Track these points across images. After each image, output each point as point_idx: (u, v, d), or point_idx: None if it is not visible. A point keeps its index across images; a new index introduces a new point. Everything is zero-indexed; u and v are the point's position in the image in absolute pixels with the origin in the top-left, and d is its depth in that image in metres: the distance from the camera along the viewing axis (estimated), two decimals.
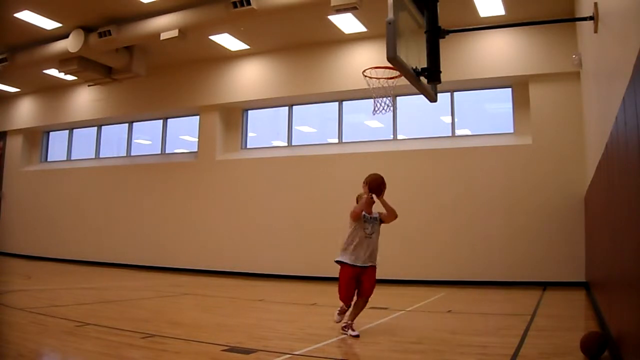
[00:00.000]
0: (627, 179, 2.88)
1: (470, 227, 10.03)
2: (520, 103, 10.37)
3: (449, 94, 10.80)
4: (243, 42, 11.87)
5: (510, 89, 10.60)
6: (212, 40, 11.60)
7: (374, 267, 4.81)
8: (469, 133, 11.04)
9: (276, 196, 11.81)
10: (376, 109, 5.63)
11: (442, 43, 4.83)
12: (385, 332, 4.85)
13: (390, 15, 3.95)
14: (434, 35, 4.79)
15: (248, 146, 13.05)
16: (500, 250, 9.71)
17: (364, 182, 4.82)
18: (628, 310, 2.97)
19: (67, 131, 15.92)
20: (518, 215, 9.72)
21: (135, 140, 14.84)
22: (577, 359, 3.63)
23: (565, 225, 9.28)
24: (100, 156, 15.22)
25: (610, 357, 3.64)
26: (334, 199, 10.66)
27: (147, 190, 13.57)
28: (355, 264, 4.71)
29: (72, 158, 15.75)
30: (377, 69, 6.03)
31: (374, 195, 4.72)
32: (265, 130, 13.36)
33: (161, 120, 14.18)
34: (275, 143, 12.98)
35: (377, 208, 4.83)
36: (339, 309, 4.78)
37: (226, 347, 3.92)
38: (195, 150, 13.32)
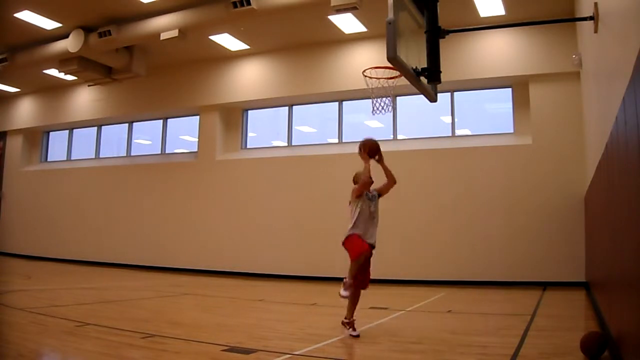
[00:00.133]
0: (627, 179, 2.88)
1: (470, 227, 10.03)
2: (520, 103, 10.37)
3: (449, 94, 10.80)
4: (243, 42, 11.86)
5: (510, 89, 10.60)
6: (212, 40, 11.60)
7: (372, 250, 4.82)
8: (469, 133, 11.04)
9: (276, 196, 11.81)
10: (376, 109, 5.62)
11: (442, 43, 4.83)
12: (385, 332, 4.85)
13: (390, 15, 3.95)
14: (434, 35, 4.79)
15: (248, 146, 13.05)
16: (500, 250, 9.71)
17: (361, 150, 4.78)
18: (628, 310, 2.97)
19: (67, 131, 15.92)
20: (518, 215, 9.72)
21: (135, 140, 14.84)
22: (577, 359, 3.63)
23: (565, 225, 9.28)
24: (100, 156, 15.22)
25: (610, 357, 3.64)
26: (334, 199, 10.64)
27: (147, 190, 13.57)
28: (369, 242, 4.69)
29: (72, 158, 15.75)
30: (377, 69, 6.03)
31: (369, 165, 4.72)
32: (265, 130, 13.36)
33: (161, 120, 14.18)
34: (275, 143, 12.98)
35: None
36: (343, 283, 4.63)
37: (226, 347, 3.92)
38: (195, 150, 13.32)
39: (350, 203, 4.84)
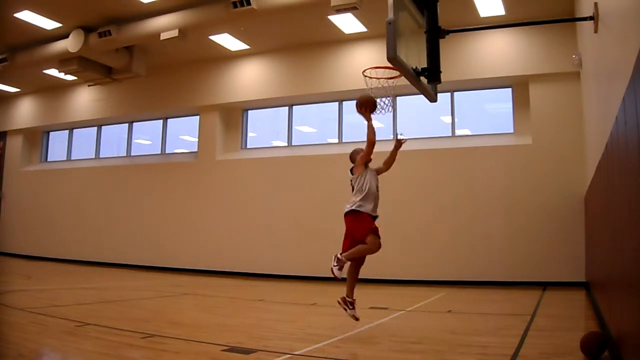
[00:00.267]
0: (627, 179, 2.88)
1: (470, 227, 10.03)
2: (520, 103, 10.37)
3: (449, 94, 10.80)
4: (243, 42, 11.87)
5: (510, 89, 10.60)
6: (212, 40, 11.60)
7: None
8: (469, 133, 11.05)
9: (276, 196, 11.81)
10: (376, 109, 5.62)
11: (442, 43, 4.83)
12: (385, 332, 4.85)
13: (390, 15, 3.96)
14: (434, 35, 4.79)
15: (248, 146, 13.05)
16: (500, 250, 9.71)
17: (362, 108, 4.75)
18: (628, 310, 2.97)
19: (67, 131, 15.92)
20: (518, 215, 9.72)
21: (135, 140, 14.84)
22: (577, 359, 3.63)
23: (565, 225, 9.28)
24: (100, 156, 15.22)
25: (610, 357, 3.63)
26: (334, 199, 10.63)
27: (147, 190, 13.57)
28: (374, 217, 4.67)
29: (72, 158, 15.75)
30: (377, 69, 6.03)
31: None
32: (265, 130, 13.36)
33: (161, 120, 14.18)
34: (275, 143, 12.98)
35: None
36: (337, 260, 4.55)
37: (226, 347, 3.92)
38: (195, 150, 13.32)
39: (354, 175, 4.76)
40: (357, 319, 4.69)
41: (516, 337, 4.44)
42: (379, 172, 4.92)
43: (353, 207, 4.69)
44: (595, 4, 4.73)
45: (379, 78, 5.44)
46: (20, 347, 3.75)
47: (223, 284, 10.22)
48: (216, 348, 3.90)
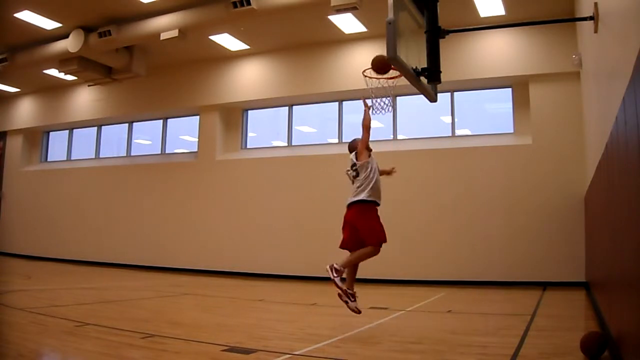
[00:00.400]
0: (627, 179, 2.88)
1: (470, 227, 10.03)
2: (520, 103, 10.37)
3: (449, 94, 10.80)
4: (243, 42, 11.86)
5: (510, 89, 10.60)
6: (212, 40, 11.60)
7: None
8: (469, 133, 11.04)
9: (276, 196, 11.81)
10: (376, 109, 5.63)
11: (442, 43, 4.83)
12: (385, 332, 4.85)
13: (390, 15, 3.95)
14: (434, 35, 4.79)
15: (248, 146, 13.05)
16: (500, 250, 9.70)
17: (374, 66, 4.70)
18: (628, 310, 2.97)
19: (67, 131, 15.91)
20: (518, 215, 9.72)
21: (135, 140, 14.84)
22: (577, 359, 3.63)
23: (565, 225, 9.28)
24: (100, 156, 15.22)
25: (610, 357, 3.63)
26: (334, 199, 10.61)
27: (147, 190, 13.57)
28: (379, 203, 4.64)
29: (72, 158, 15.75)
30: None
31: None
32: (265, 130, 13.36)
33: (161, 120, 14.17)
34: (275, 143, 12.98)
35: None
36: (336, 271, 4.44)
37: (226, 347, 3.92)
38: (195, 150, 13.32)
39: (361, 161, 4.68)
40: (359, 312, 4.60)
41: (516, 337, 4.44)
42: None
43: (362, 197, 4.57)
44: (595, 4, 4.73)
45: (379, 78, 5.44)
46: (20, 347, 3.75)
47: (223, 284, 10.22)
48: (216, 348, 3.90)
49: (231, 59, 12.72)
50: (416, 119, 11.32)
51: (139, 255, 13.20)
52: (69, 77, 13.67)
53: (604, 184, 4.58)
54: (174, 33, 10.04)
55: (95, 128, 15.32)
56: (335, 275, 4.44)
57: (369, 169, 4.67)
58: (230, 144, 13.01)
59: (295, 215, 11.49)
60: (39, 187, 15.48)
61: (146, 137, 14.99)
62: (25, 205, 15.60)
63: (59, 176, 15.22)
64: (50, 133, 16.42)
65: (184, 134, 14.27)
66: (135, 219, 13.55)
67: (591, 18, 4.87)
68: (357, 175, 4.70)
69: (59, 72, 12.49)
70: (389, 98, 5.43)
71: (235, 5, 9.21)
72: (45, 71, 13.79)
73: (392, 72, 5.15)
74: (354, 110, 12.04)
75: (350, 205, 4.69)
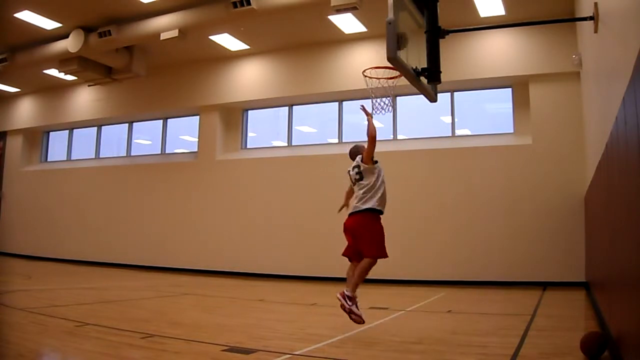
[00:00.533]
0: (627, 179, 2.88)
1: (470, 227, 10.03)
2: (520, 103, 10.37)
3: (449, 94, 10.80)
4: (243, 42, 11.87)
5: (510, 89, 10.60)
6: (212, 40, 11.60)
7: None
8: (469, 133, 11.05)
9: (276, 196, 11.81)
10: (376, 109, 5.62)
11: (442, 43, 4.83)
12: (385, 332, 4.85)
13: (390, 15, 3.96)
14: (434, 35, 4.79)
15: (248, 146, 13.05)
16: (500, 250, 9.71)
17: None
18: (628, 310, 2.97)
19: (67, 131, 15.92)
20: (518, 215, 9.72)
21: (135, 140, 14.84)
22: (577, 359, 3.63)
23: (565, 225, 9.28)
24: (101, 156, 15.22)
25: (610, 357, 3.64)
26: (334, 199, 10.63)
27: (147, 190, 13.57)
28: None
29: (72, 158, 15.75)
30: (377, 69, 6.04)
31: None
32: (265, 130, 13.36)
33: (161, 120, 14.18)
34: (275, 143, 12.98)
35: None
36: (350, 299, 4.28)
37: (226, 347, 3.92)
38: (195, 150, 13.32)
39: (367, 166, 4.57)
40: (358, 317, 4.48)
41: (516, 337, 4.44)
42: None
43: (370, 206, 4.48)
44: (595, 4, 4.73)
45: (379, 78, 5.43)
46: (20, 347, 3.75)
47: (223, 284, 10.22)
48: (216, 348, 3.90)
49: (231, 59, 12.72)
50: (416, 119, 11.32)
51: (139, 255, 13.20)
52: (69, 77, 13.67)
53: (604, 184, 4.58)
54: (174, 33, 10.04)
55: (95, 128, 15.32)
56: (350, 303, 4.28)
57: (376, 176, 4.57)
58: (230, 144, 13.02)
59: (295, 215, 11.49)
60: (39, 187, 15.48)
61: (146, 137, 14.99)
62: (25, 205, 15.60)
63: (59, 176, 15.22)
64: (50, 133, 16.42)
65: (184, 134, 14.27)
66: (135, 219, 13.55)
67: (591, 18, 4.87)
68: (361, 178, 4.62)
69: (59, 72, 12.49)
70: (389, 98, 5.42)
71: (235, 5, 9.21)
72: (45, 71, 13.79)
73: (392, 72, 5.15)
74: (354, 110, 12.04)
75: (356, 213, 4.57)
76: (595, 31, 4.89)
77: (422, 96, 4.95)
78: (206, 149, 12.97)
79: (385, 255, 4.47)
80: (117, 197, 13.97)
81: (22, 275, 10.30)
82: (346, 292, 4.38)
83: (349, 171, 4.85)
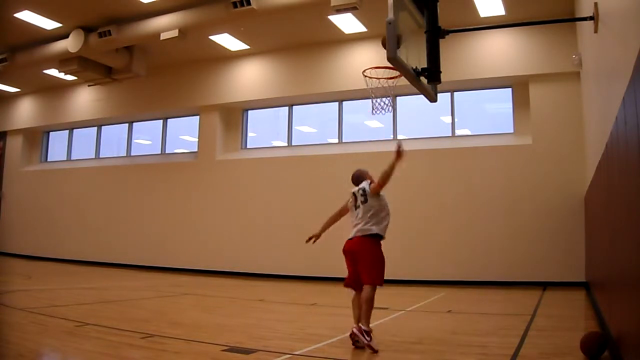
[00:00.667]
0: (627, 179, 2.88)
1: (470, 227, 10.03)
2: (520, 103, 10.37)
3: (449, 94, 10.80)
4: (243, 42, 11.87)
5: (510, 89, 10.60)
6: (212, 40, 11.60)
7: None
8: (469, 133, 11.04)
9: (276, 196, 11.81)
10: (376, 109, 5.63)
11: (442, 43, 4.83)
12: (385, 332, 4.85)
13: (390, 15, 3.95)
14: (434, 35, 4.79)
15: (248, 146, 13.05)
16: (500, 250, 9.71)
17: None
18: (628, 310, 2.97)
19: (67, 131, 15.92)
20: (518, 215, 9.72)
21: (135, 140, 14.84)
22: (577, 359, 3.63)
23: (565, 225, 9.28)
24: (101, 156, 15.22)
25: (610, 357, 3.64)
26: (334, 199, 10.62)
27: (147, 190, 13.57)
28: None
29: (72, 158, 15.75)
30: (377, 69, 6.04)
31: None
32: (265, 130, 13.36)
33: (161, 120, 14.18)
34: (275, 143, 12.98)
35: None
36: (367, 333, 3.93)
37: (226, 347, 3.92)
38: (195, 150, 13.32)
39: (370, 190, 4.41)
40: (375, 351, 3.94)
41: (516, 337, 4.44)
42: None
43: (375, 231, 4.30)
44: (595, 4, 4.73)
45: (379, 78, 5.45)
46: (20, 347, 3.76)
47: (223, 284, 10.22)
48: (216, 348, 3.90)
49: (231, 59, 12.72)
50: (416, 119, 11.32)
51: (139, 255, 13.20)
52: (69, 77, 13.67)
53: (604, 184, 4.58)
54: (174, 33, 10.04)
55: (95, 128, 15.32)
56: (368, 339, 3.94)
57: (382, 202, 4.43)
58: (230, 144, 13.02)
59: (295, 215, 11.48)
60: (39, 187, 15.48)
61: (146, 137, 14.99)
62: (25, 205, 15.60)
63: (59, 176, 15.22)
64: (50, 133, 16.42)
65: (184, 134, 14.27)
66: (135, 219, 13.55)
67: (591, 18, 4.87)
68: (365, 201, 4.46)
69: (59, 72, 12.49)
70: (389, 98, 5.43)
71: (235, 5, 9.21)
72: (45, 71, 13.79)
73: (392, 72, 5.15)
74: (354, 110, 12.06)
75: (360, 236, 4.38)
76: (595, 31, 4.89)
77: (422, 96, 4.95)
78: (206, 149, 12.97)
79: (381, 284, 4.25)
80: (117, 197, 13.97)
81: (22, 275, 10.30)
82: (363, 327, 4.04)
83: (354, 192, 4.63)
